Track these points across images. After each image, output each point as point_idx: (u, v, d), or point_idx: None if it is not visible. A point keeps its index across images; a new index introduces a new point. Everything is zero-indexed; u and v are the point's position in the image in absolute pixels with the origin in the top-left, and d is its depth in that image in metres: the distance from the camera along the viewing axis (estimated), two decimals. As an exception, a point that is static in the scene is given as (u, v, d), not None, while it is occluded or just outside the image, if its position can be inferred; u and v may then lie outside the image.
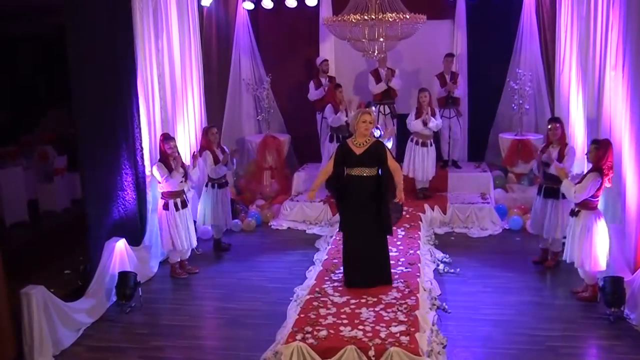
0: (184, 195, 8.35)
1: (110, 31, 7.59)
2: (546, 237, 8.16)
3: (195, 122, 9.99)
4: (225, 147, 9.19)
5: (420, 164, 10.33)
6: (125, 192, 7.86)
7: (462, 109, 11.51)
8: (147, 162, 8.32)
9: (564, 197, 7.88)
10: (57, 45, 8.55)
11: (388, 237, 7.22)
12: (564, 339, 6.40)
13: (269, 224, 10.50)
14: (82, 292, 7.06)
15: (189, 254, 8.57)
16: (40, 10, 11.27)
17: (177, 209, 8.18)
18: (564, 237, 7.66)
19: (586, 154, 7.41)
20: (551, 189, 8.03)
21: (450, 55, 11.24)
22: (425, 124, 10.07)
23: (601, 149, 6.97)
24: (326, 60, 11.79)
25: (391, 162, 6.97)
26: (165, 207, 8.17)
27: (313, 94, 11.63)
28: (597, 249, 7.06)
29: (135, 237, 8.07)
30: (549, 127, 8.05)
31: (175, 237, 8.18)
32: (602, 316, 6.79)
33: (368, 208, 6.94)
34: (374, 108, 9.71)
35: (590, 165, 7.21)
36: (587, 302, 7.21)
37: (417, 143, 10.32)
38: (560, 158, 7.86)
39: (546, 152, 8.06)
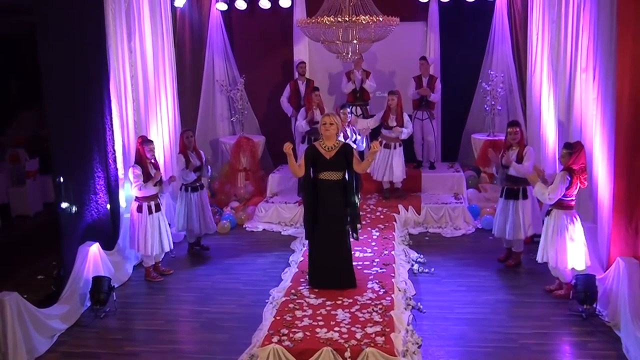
0: (158, 199, 8.28)
1: (82, 32, 7.53)
2: (508, 237, 8.28)
3: (168, 124, 9.93)
4: (202, 152, 9.16)
5: (382, 165, 10.39)
6: (98, 196, 7.78)
7: (435, 111, 11.56)
8: (120, 165, 8.25)
9: (524, 197, 8.07)
10: (28, 45, 8.44)
11: (361, 238, 7.25)
12: (537, 336, 6.50)
13: (244, 226, 10.46)
14: (56, 297, 6.98)
15: (162, 256, 8.51)
16: (10, 9, 11.12)
17: (150, 212, 8.10)
18: (538, 237, 7.82)
19: (559, 158, 7.51)
20: (511, 190, 8.16)
21: (423, 58, 11.30)
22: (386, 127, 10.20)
23: (574, 153, 7.10)
24: (302, 63, 11.78)
25: (356, 166, 6.99)
26: (139, 209, 8.08)
27: (283, 100, 11.68)
28: (572, 248, 7.17)
29: (109, 241, 8.00)
30: (509, 130, 8.16)
31: (146, 241, 8.08)
32: (575, 313, 6.89)
33: (335, 212, 6.95)
34: (348, 109, 9.73)
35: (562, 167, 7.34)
36: (563, 299, 7.31)
37: (380, 144, 10.37)
38: (519, 160, 7.99)
39: (505, 154, 8.17)
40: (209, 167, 9.27)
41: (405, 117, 10.27)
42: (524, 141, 8.31)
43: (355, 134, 9.69)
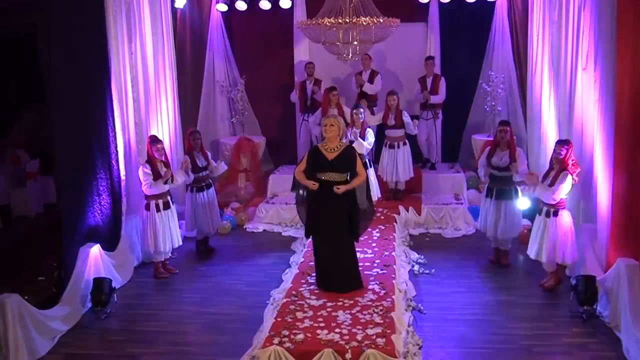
0: (168, 197, 8.37)
1: (83, 33, 7.53)
2: (500, 237, 8.32)
3: (169, 125, 9.94)
4: (208, 152, 9.19)
5: (386, 165, 10.39)
6: (100, 197, 7.80)
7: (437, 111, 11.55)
8: (121, 166, 8.27)
9: (516, 196, 8.15)
10: (29, 46, 8.43)
11: (361, 239, 7.26)
12: (537, 337, 6.51)
13: (244, 227, 10.47)
14: (57, 299, 6.98)
15: (169, 254, 8.59)
16: (10, 9, 11.12)
17: (158, 210, 8.22)
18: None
19: (552, 156, 7.53)
20: (502, 190, 8.20)
21: (429, 58, 11.29)
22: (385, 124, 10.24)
23: (566, 148, 7.22)
24: (311, 63, 11.72)
25: (359, 169, 6.95)
26: (147, 207, 8.23)
27: (292, 95, 11.66)
28: (558, 240, 7.33)
29: (111, 242, 8.01)
30: (500, 129, 8.21)
31: (154, 238, 8.20)
32: (575, 314, 6.90)
33: (337, 213, 6.93)
34: (361, 109, 9.68)
35: (550, 163, 7.49)
36: (552, 289, 7.51)
37: (385, 145, 10.40)
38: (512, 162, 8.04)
39: (495, 155, 8.20)
40: (223, 162, 9.40)
41: (405, 116, 10.25)
42: (514, 142, 8.30)
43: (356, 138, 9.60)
